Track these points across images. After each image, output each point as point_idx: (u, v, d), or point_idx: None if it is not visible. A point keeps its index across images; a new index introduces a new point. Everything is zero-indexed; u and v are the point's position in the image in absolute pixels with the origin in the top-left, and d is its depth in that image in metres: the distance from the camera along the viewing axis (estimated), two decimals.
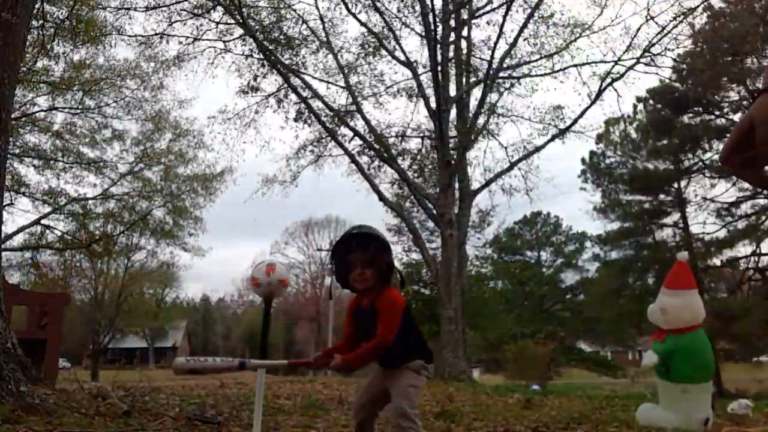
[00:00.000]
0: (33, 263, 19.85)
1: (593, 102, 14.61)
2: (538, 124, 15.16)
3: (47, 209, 18.50)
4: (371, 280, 2.66)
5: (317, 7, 14.45)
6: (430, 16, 13.97)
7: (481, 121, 14.73)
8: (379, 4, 14.40)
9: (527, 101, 19.51)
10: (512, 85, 15.35)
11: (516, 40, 14.33)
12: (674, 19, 13.67)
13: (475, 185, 14.96)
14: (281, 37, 14.30)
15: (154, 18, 13.76)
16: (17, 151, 16.87)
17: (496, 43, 14.23)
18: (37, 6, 7.06)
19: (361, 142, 14.90)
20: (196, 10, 13.79)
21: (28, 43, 8.06)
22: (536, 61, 14.76)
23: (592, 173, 24.82)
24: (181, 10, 13.71)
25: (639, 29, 14.02)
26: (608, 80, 14.47)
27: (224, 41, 14.16)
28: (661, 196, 23.36)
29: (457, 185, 14.45)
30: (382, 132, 15.16)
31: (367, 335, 2.68)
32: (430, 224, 18.31)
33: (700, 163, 22.49)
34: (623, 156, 24.54)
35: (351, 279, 2.68)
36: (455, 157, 14.11)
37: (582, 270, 37.58)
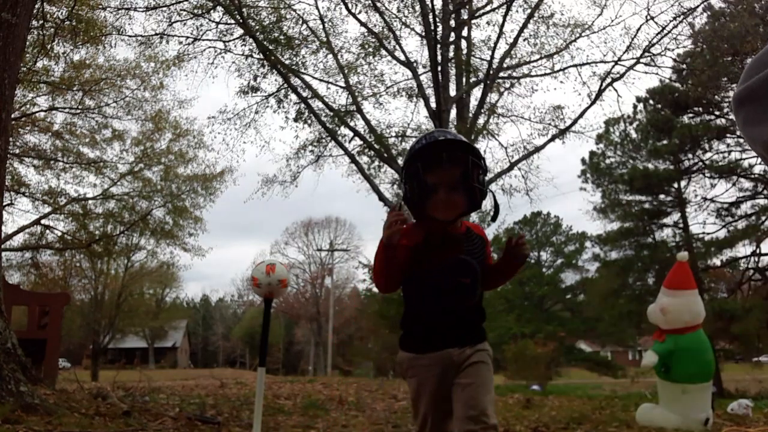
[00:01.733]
0: (33, 263, 19.87)
1: (593, 102, 14.62)
2: (538, 124, 15.17)
3: (47, 209, 18.53)
4: (461, 208, 1.91)
5: (317, 7, 14.47)
6: (430, 16, 13.97)
7: (481, 121, 14.74)
8: (379, 4, 14.41)
9: (527, 101, 19.50)
10: (512, 85, 15.37)
11: (516, 40, 14.34)
12: (674, 19, 13.70)
13: None
14: (281, 37, 14.30)
15: (154, 18, 13.76)
16: (17, 151, 16.89)
17: (496, 43, 14.24)
18: (37, 6, 7.06)
19: (361, 142, 14.90)
20: (196, 11, 13.79)
21: (28, 43, 8.06)
22: (536, 61, 14.78)
23: (592, 173, 24.82)
24: (181, 10, 13.71)
25: (639, 29, 14.04)
26: (608, 80, 14.49)
27: (224, 41, 14.18)
28: (661, 196, 23.35)
29: None
30: (382, 132, 15.16)
31: (447, 268, 1.88)
32: None
33: (700, 163, 22.50)
34: (623, 156, 24.54)
35: (431, 206, 1.87)
36: None
37: (582, 270, 37.58)
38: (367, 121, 14.70)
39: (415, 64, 14.68)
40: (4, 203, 4.69)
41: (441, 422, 1.91)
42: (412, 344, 1.97)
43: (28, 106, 16.12)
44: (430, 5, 14.10)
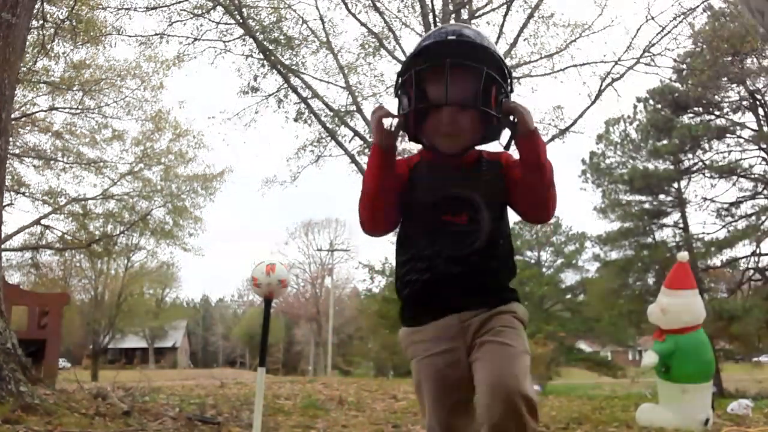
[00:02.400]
0: (33, 263, 19.89)
1: (593, 102, 14.63)
2: (538, 124, 15.16)
3: (47, 209, 18.54)
4: (469, 138, 1.49)
5: (317, 8, 14.47)
6: (430, 16, 13.97)
7: None
8: (379, 5, 14.41)
9: (527, 101, 19.49)
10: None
11: (516, 40, 14.35)
12: (674, 19, 13.69)
13: None
14: (281, 37, 14.30)
15: (155, 18, 13.78)
16: (17, 151, 16.90)
17: (496, 44, 14.24)
18: (37, 6, 7.06)
19: (361, 142, 14.91)
20: (196, 11, 13.79)
21: (28, 43, 8.06)
22: (536, 61, 14.79)
23: (592, 173, 24.82)
24: (181, 10, 13.72)
25: (639, 29, 14.04)
26: (608, 80, 14.49)
27: (224, 41, 14.18)
28: (661, 196, 23.36)
29: None
30: None
31: (436, 206, 1.47)
32: None
33: (700, 163, 22.51)
34: (623, 156, 24.55)
35: (431, 129, 1.49)
36: None
37: (582, 270, 37.56)
38: (367, 122, 14.70)
39: None
40: (4, 203, 4.69)
41: (453, 418, 1.43)
42: (407, 314, 1.54)
43: (28, 106, 16.13)
44: (430, 5, 14.11)
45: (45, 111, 16.95)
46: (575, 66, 14.61)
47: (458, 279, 1.46)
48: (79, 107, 17.36)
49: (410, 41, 15.33)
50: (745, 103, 21.28)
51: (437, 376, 1.46)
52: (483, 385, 1.36)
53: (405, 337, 1.56)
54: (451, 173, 1.50)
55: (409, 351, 1.54)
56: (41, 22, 10.24)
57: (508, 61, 12.21)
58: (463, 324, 1.46)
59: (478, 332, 1.45)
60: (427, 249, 1.48)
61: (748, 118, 21.51)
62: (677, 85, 21.19)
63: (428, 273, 1.47)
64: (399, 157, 1.58)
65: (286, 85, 14.52)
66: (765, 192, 21.48)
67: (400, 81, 1.50)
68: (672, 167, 22.71)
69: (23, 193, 17.92)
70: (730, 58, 14.98)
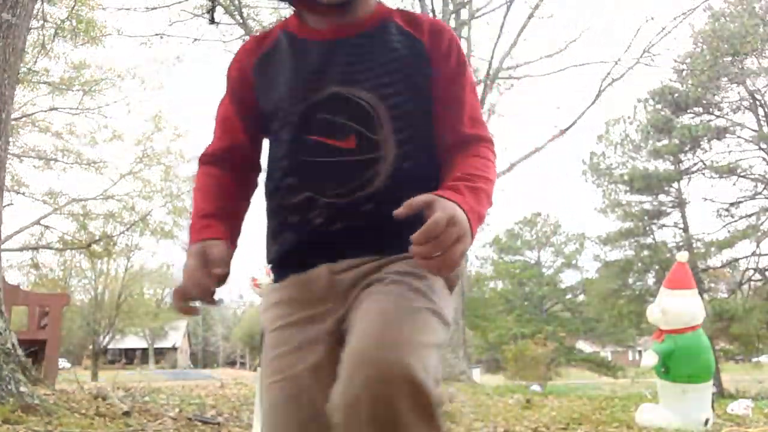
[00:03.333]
0: (33, 263, 19.90)
1: (593, 102, 14.65)
2: (538, 123, 15.20)
3: (47, 209, 18.56)
4: None
5: None
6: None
7: None
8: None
9: (528, 101, 19.53)
10: (512, 85, 15.40)
11: (516, 40, 14.37)
12: (674, 19, 13.73)
13: None
14: None
15: (155, 18, 13.78)
16: (17, 151, 16.91)
17: (496, 44, 14.27)
18: (37, 6, 7.07)
19: None
20: (196, 11, 13.80)
21: (28, 43, 8.07)
22: (536, 61, 14.82)
23: (592, 173, 24.84)
24: (181, 10, 13.72)
25: (639, 29, 14.08)
26: (608, 80, 14.51)
27: (224, 41, 14.19)
28: (661, 196, 23.37)
29: None
30: None
31: (301, 118, 0.94)
32: None
33: (700, 163, 22.52)
34: (623, 156, 24.57)
35: None
36: None
37: (582, 270, 37.60)
38: None
39: None
40: (4, 203, 4.69)
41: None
42: (273, 265, 1.03)
43: (28, 106, 16.14)
44: (430, 5, 14.12)
45: (45, 111, 16.97)
46: (575, 66, 14.65)
47: (343, 238, 0.93)
48: (79, 107, 17.38)
49: None
50: (745, 103, 21.29)
51: (290, 367, 0.90)
52: (347, 354, 0.80)
53: (265, 296, 1.05)
54: (327, 54, 0.92)
55: (263, 317, 1.01)
56: (41, 22, 10.26)
57: (508, 61, 12.03)
58: (336, 276, 0.92)
59: (358, 286, 0.91)
60: (295, 193, 0.95)
61: (748, 118, 21.53)
62: (677, 85, 21.21)
63: (297, 232, 0.96)
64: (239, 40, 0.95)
65: None
66: (765, 192, 21.49)
67: None
68: (672, 167, 22.72)
69: (23, 193, 17.95)
70: (730, 59, 14.99)
